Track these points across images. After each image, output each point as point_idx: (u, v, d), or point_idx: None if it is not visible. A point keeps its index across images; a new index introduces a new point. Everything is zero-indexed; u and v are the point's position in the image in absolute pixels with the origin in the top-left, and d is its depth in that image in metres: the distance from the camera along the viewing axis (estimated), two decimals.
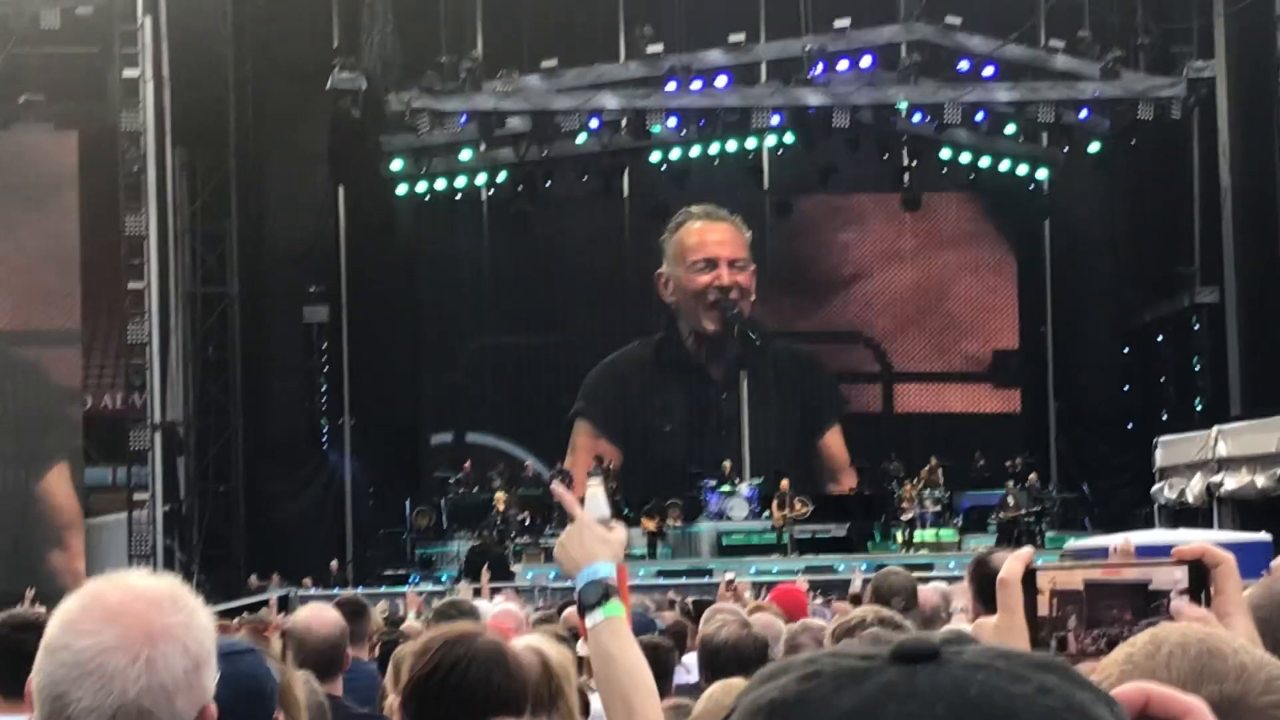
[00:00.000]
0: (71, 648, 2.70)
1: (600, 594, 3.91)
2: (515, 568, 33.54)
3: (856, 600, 14.47)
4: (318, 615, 7.58)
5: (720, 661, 7.16)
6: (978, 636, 2.59)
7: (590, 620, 3.93)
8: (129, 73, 35.81)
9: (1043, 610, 2.55)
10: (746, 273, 40.73)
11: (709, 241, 40.71)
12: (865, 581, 18.44)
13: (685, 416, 41.35)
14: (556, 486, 3.83)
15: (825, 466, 41.10)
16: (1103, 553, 18.04)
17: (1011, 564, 2.60)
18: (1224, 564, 2.60)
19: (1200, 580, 2.57)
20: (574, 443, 40.20)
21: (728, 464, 37.73)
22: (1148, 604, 2.54)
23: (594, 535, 4.03)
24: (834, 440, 41.65)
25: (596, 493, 4.37)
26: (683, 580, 30.95)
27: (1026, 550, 2.64)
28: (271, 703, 3.80)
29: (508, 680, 4.28)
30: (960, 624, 8.83)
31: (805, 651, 5.28)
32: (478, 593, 17.90)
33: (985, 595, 2.89)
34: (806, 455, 40.83)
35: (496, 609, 10.50)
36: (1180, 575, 2.56)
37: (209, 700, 2.78)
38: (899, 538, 36.14)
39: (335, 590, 28.86)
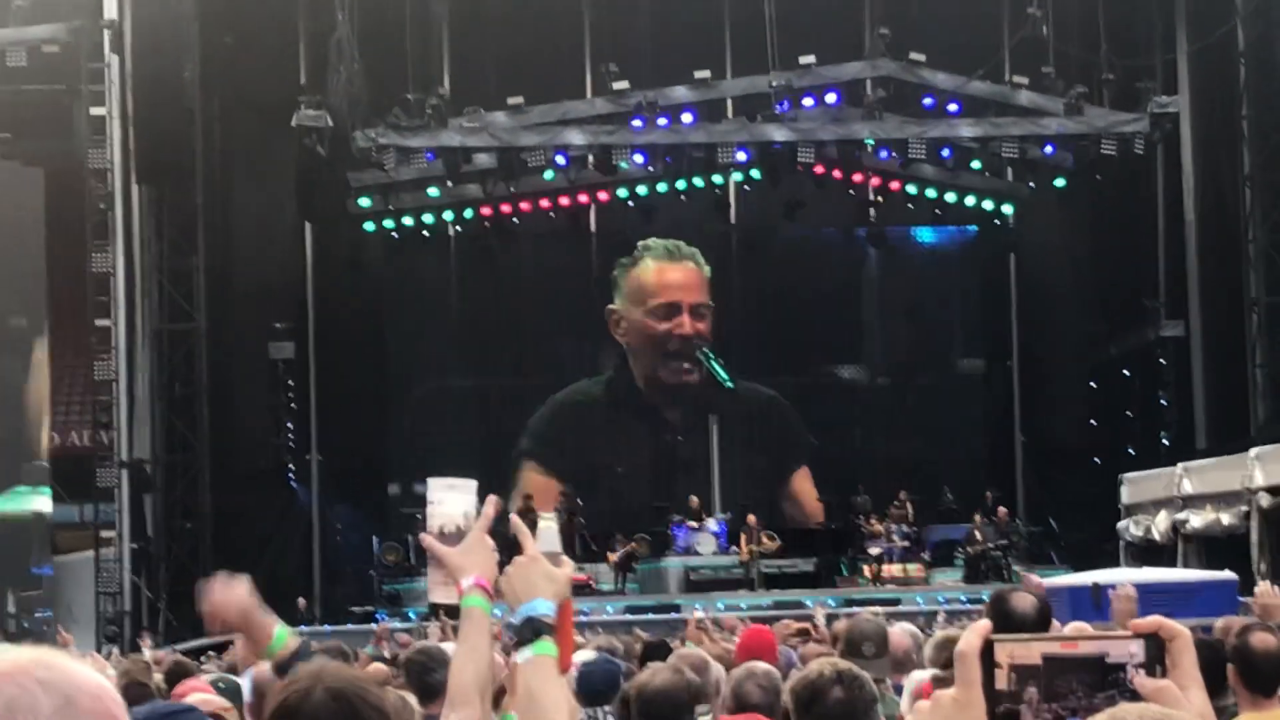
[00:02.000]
0: None
1: (533, 631, 3.99)
2: None
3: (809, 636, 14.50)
4: None
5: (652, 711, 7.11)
6: (934, 710, 2.63)
7: (520, 656, 4.00)
8: (95, 110, 35.83)
9: (1000, 684, 2.57)
10: (706, 320, 40.39)
11: (670, 285, 40.34)
12: (829, 618, 18.50)
13: (641, 458, 40.86)
14: (515, 517, 3.86)
15: (794, 507, 40.85)
16: (1073, 591, 18.06)
17: (969, 637, 2.62)
18: (1180, 638, 2.64)
19: (1157, 653, 2.60)
20: (522, 483, 39.21)
21: (695, 499, 37.62)
22: (1105, 677, 2.57)
23: (539, 570, 4.11)
24: (802, 482, 41.26)
25: (549, 526, 4.47)
26: (649, 616, 30.89)
27: (984, 623, 2.66)
28: None
29: None
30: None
31: (753, 698, 5.38)
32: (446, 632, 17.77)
33: (1004, 632, 2.92)
34: (773, 490, 40.72)
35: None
36: (1137, 648, 2.59)
37: None
38: (866, 572, 36.09)
39: (303, 627, 28.79)
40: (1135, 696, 2.57)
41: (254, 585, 5.40)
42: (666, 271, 40.42)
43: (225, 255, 37.56)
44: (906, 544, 36.42)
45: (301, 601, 35.11)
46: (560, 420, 40.70)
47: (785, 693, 6.36)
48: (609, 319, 40.62)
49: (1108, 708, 2.53)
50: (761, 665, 7.81)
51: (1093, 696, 2.58)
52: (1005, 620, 6.05)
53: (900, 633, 10.41)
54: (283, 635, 5.45)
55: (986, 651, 2.60)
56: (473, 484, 4.59)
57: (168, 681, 11.54)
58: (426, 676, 8.48)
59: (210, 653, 22.59)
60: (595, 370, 41.46)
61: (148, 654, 20.56)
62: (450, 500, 4.57)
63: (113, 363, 35.72)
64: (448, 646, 12.18)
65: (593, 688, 8.26)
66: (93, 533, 35.92)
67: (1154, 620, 2.69)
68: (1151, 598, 20.37)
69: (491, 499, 4.70)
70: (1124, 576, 23.49)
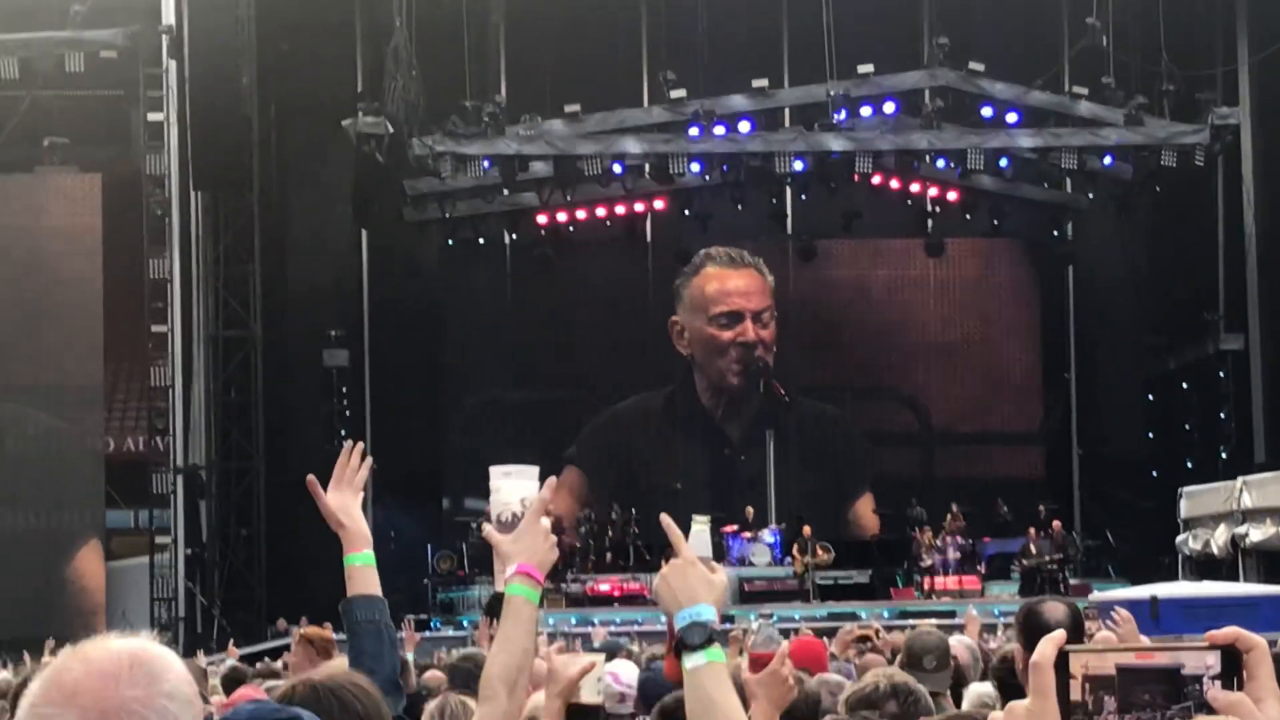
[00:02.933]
0: None
1: (704, 637, 3.77)
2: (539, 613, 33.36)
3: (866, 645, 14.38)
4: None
5: None
6: None
7: (691, 663, 3.78)
8: (153, 116, 36.02)
9: (1075, 695, 2.52)
10: (770, 328, 40.24)
11: (732, 292, 40.24)
12: (889, 628, 18.37)
13: (699, 476, 40.44)
14: (665, 518, 3.79)
15: (854, 531, 40.49)
16: (1132, 605, 17.95)
17: (1044, 647, 2.56)
18: (1256, 649, 2.57)
19: (1234, 665, 2.54)
20: (557, 490, 38.93)
21: (750, 510, 37.53)
22: (1181, 689, 2.51)
23: (698, 574, 3.89)
24: (864, 507, 40.74)
25: (702, 530, 4.34)
26: None
27: (1059, 633, 2.60)
28: None
29: None
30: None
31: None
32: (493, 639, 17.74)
33: (1034, 646, 2.84)
34: (829, 503, 40.44)
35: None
36: (1213, 660, 2.53)
37: None
38: (922, 584, 35.98)
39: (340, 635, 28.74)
40: (1212, 710, 2.50)
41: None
42: (729, 279, 40.31)
43: (281, 262, 37.71)
44: (960, 557, 36.29)
45: (281, 623, 34.71)
46: (614, 431, 40.62)
47: (840, 705, 6.28)
48: (671, 330, 40.52)
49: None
50: (833, 677, 7.74)
51: (1168, 708, 2.51)
52: (1036, 631, 5.96)
53: (958, 646, 10.30)
54: (368, 558, 5.54)
55: (1061, 662, 2.53)
56: (532, 470, 4.58)
57: (224, 688, 11.50)
58: (473, 683, 8.39)
59: (266, 658, 22.59)
60: (649, 383, 41.23)
61: (202, 660, 20.57)
62: (507, 488, 4.56)
63: (169, 368, 35.89)
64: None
65: (655, 695, 8.16)
66: (148, 538, 36.06)
67: (1231, 631, 2.61)
68: (1212, 612, 20.23)
69: (549, 481, 4.77)
70: (1184, 590, 23.35)
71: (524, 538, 4.52)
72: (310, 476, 5.57)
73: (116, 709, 2.60)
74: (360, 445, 5.76)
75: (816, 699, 7.38)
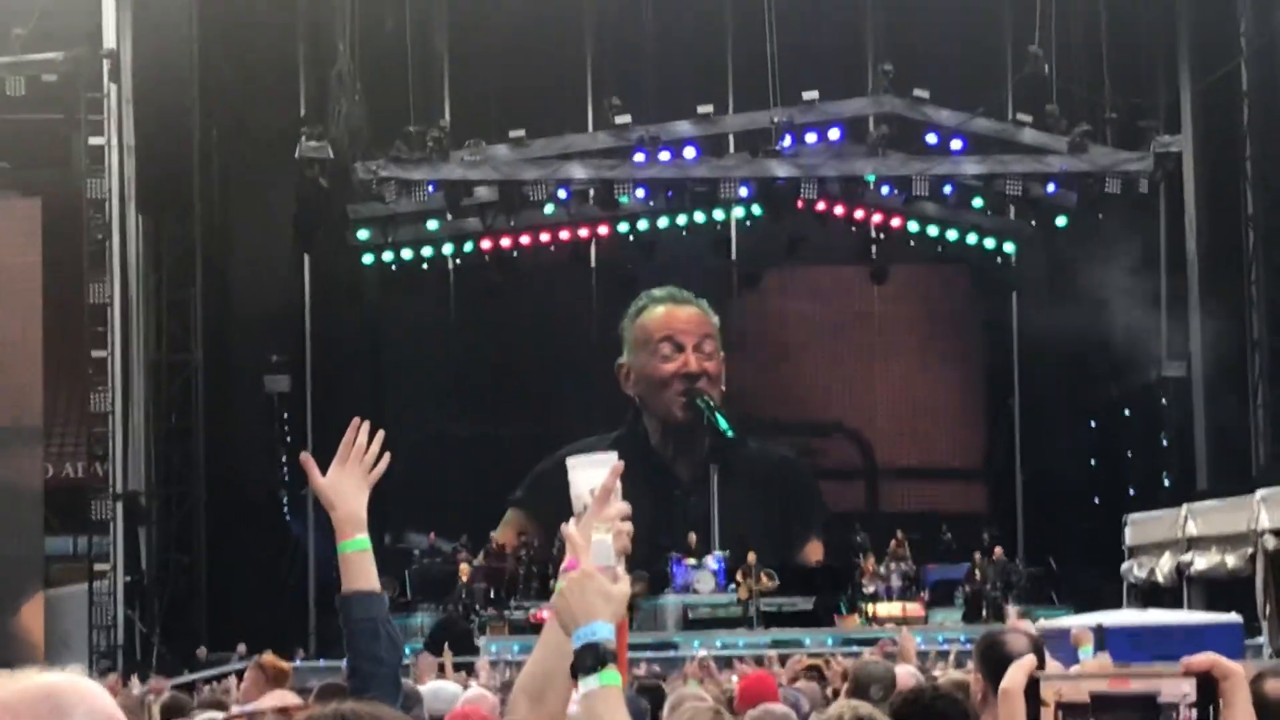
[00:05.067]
0: None
1: (596, 659, 3.64)
2: (479, 641, 33.27)
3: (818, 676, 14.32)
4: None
5: None
6: None
7: (584, 686, 3.65)
8: (94, 140, 35.87)
9: None
10: (715, 360, 39.98)
11: (674, 324, 40.02)
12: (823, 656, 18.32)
13: (649, 517, 40.14)
14: (566, 527, 3.58)
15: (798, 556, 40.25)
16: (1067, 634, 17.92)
17: (1014, 673, 2.49)
18: (1233, 676, 2.52)
19: (1210, 693, 2.48)
20: (501, 529, 38.63)
21: (693, 536, 37.38)
22: (1156, 716, 2.44)
23: (596, 588, 3.77)
24: (815, 553, 40.39)
25: (604, 539, 4.10)
26: (648, 654, 30.72)
27: (1029, 658, 2.52)
28: None
29: None
30: None
31: None
32: (442, 668, 17.59)
33: (996, 677, 2.77)
34: (774, 531, 40.27)
35: (470, 694, 10.12)
36: (1189, 688, 2.47)
37: None
38: (867, 611, 35.95)
39: (297, 662, 28.59)
40: None
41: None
42: (671, 312, 40.15)
43: (223, 286, 37.56)
44: (903, 584, 36.30)
45: (202, 651, 34.44)
46: (562, 474, 40.00)
47: None
48: (619, 374, 40.20)
49: None
50: (779, 707, 7.65)
51: None
52: (999, 663, 5.86)
53: (907, 676, 10.23)
54: (361, 543, 5.15)
55: (1032, 689, 2.44)
56: (609, 457, 4.24)
57: (165, 718, 11.33)
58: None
59: (208, 684, 22.40)
60: (593, 413, 40.64)
61: (137, 688, 20.36)
62: (579, 480, 4.25)
63: (109, 394, 35.64)
64: (445, 684, 11.97)
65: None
66: (87, 565, 35.79)
67: (1207, 658, 2.54)
68: (1157, 640, 20.26)
69: (614, 466, 4.31)
70: (1128, 618, 23.36)
71: (584, 530, 4.15)
72: (304, 454, 5.22)
73: None
74: (368, 421, 5.25)
75: None
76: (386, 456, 5.21)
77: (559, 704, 4.02)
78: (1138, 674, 2.50)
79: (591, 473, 4.10)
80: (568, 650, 3.80)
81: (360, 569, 5.09)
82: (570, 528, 4.09)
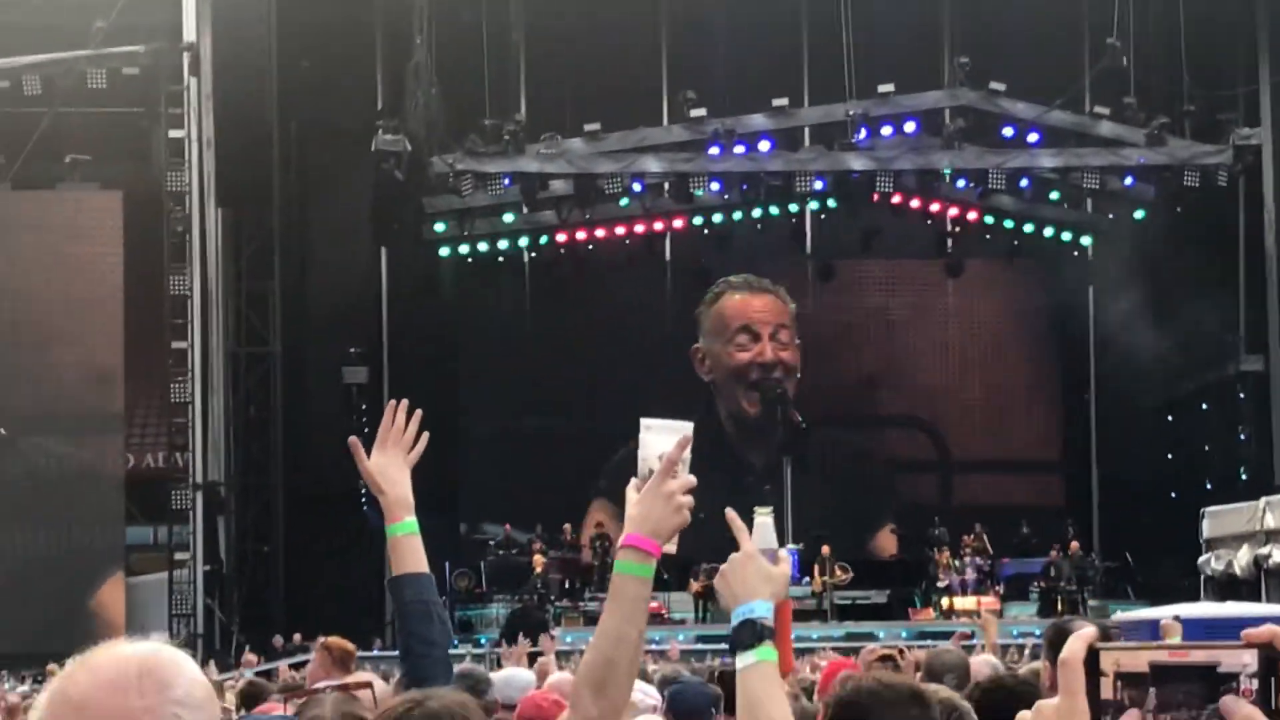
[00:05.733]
0: None
1: (754, 635, 3.74)
2: (555, 631, 33.33)
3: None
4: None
5: None
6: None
7: (741, 661, 3.74)
8: (174, 133, 36.08)
9: (1106, 693, 2.46)
10: (791, 348, 39.64)
11: (751, 312, 39.72)
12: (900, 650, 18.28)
13: (722, 504, 39.84)
14: (730, 512, 3.55)
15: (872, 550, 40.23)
16: (1152, 625, 17.86)
17: (1074, 644, 2.52)
18: None
19: (1271, 665, 2.49)
20: (589, 517, 38.65)
21: None
22: (1216, 687, 2.46)
23: (757, 569, 3.86)
24: (886, 543, 40.55)
25: (765, 522, 4.16)
26: (723, 645, 30.71)
27: (1090, 630, 2.55)
28: None
29: None
30: None
31: None
32: (532, 658, 17.61)
33: None
34: (848, 525, 40.12)
35: (553, 679, 10.05)
36: (1250, 659, 2.48)
37: None
38: (941, 605, 35.87)
39: (375, 651, 28.80)
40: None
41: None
42: (747, 301, 39.90)
43: (301, 278, 37.73)
44: (977, 577, 36.17)
45: (278, 640, 34.47)
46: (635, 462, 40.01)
47: None
48: (693, 357, 39.98)
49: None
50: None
51: (1203, 707, 2.45)
52: None
53: (982, 664, 10.23)
54: (411, 526, 5.23)
55: (1092, 660, 2.47)
56: (685, 425, 4.23)
57: (243, 704, 11.37)
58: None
59: (288, 671, 22.54)
60: (666, 408, 40.34)
61: (215, 674, 20.52)
62: (651, 442, 4.24)
63: (188, 385, 35.87)
64: (521, 671, 11.96)
65: (685, 708, 8.11)
66: (167, 554, 36.06)
67: (1269, 630, 2.56)
68: (1234, 632, 20.11)
69: (682, 437, 4.28)
70: (1207, 611, 23.24)
71: (643, 500, 4.12)
72: (352, 438, 5.25)
73: None
74: (405, 402, 5.30)
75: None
76: (425, 436, 5.28)
77: (621, 694, 4.00)
78: (1197, 645, 2.53)
79: (664, 438, 4.11)
80: (628, 639, 3.87)
81: (411, 551, 5.18)
82: (733, 512, 4.06)
